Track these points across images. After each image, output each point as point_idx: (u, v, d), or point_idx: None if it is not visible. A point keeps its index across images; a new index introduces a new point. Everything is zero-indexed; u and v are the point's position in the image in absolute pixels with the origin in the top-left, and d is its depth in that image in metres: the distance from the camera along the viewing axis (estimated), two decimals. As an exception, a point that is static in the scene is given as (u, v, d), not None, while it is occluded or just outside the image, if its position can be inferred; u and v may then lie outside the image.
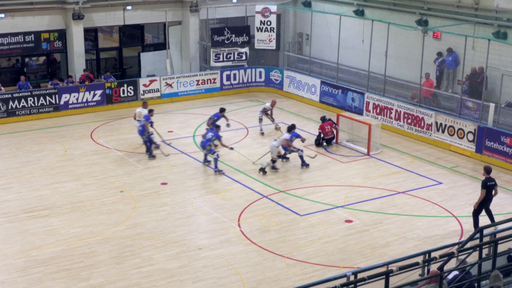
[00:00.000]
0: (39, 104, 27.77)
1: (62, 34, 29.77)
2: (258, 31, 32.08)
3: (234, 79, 31.95)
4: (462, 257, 11.55)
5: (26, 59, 29.97)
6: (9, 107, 27.32)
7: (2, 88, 27.74)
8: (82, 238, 17.20)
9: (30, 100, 27.54)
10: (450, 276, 11.28)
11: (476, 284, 11.41)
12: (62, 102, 28.15)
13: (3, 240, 17.11)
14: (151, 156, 23.01)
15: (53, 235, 17.40)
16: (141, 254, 16.32)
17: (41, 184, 20.89)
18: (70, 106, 28.36)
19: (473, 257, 11.80)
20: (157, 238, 17.20)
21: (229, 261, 15.94)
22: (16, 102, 27.32)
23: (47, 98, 27.86)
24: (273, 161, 21.85)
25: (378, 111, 26.76)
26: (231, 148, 22.63)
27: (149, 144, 23.07)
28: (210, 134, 21.96)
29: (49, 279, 15.16)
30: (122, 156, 23.39)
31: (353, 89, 28.25)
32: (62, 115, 28.09)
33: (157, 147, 23.35)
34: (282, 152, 22.16)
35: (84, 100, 28.61)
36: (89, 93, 28.64)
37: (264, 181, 20.97)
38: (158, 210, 18.93)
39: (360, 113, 27.20)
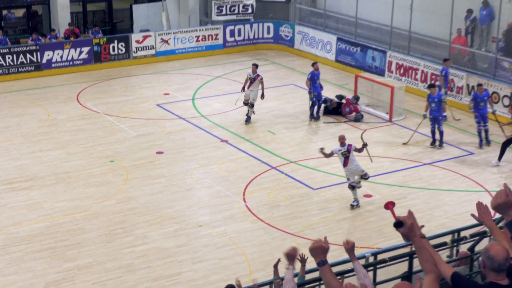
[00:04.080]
0: (18, 63, 27.68)
1: (43, -17, 29.60)
2: (266, -20, 31.82)
3: (239, 35, 31.75)
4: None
5: (4, 12, 29.81)
6: (-15, 66, 27.26)
7: (-23, 44, 27.66)
8: (68, 213, 17.24)
9: (8, 58, 27.44)
10: (483, 258, 11.24)
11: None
12: (44, 61, 28.06)
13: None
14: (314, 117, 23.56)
15: (35, 209, 17.45)
16: (134, 231, 16.36)
17: (21, 152, 20.90)
18: (53, 65, 28.27)
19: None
20: (152, 213, 17.23)
21: (233, 240, 15.98)
22: (-8, 60, 27.22)
23: (28, 55, 27.75)
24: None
25: (401, 71, 26.58)
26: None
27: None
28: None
29: (31, 258, 15.22)
30: (112, 121, 23.36)
31: (374, 46, 28.05)
32: (45, 75, 28.02)
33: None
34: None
35: (69, 58, 28.50)
36: (75, 50, 28.52)
37: (272, 150, 20.95)
38: (153, 182, 18.94)
39: (382, 74, 27.05)
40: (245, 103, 23.09)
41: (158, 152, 20.89)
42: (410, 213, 6.26)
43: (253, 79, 22.91)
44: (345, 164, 17.15)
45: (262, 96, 23.18)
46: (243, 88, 23.16)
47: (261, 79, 23.01)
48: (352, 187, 17.31)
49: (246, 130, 22.56)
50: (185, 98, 25.80)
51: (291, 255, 7.13)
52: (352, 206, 17.41)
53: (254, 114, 23.34)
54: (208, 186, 18.79)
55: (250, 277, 14.44)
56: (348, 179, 17.30)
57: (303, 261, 10.69)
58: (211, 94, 26.22)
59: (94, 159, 20.39)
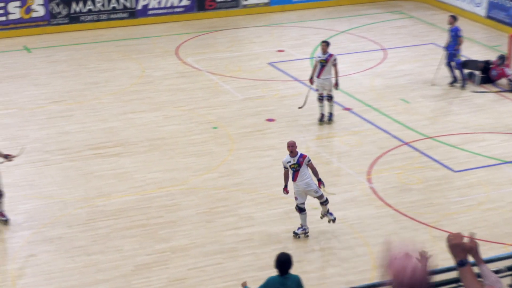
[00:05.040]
0: (109, 8, 28.31)
1: None
2: None
3: (369, -18, 31.44)
4: None
5: None
6: (71, 11, 28.01)
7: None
8: (162, 186, 17.63)
9: (98, 2, 28.10)
10: None
11: None
12: (139, 7, 28.59)
13: (61, 184, 17.78)
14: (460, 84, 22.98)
15: (125, 180, 17.90)
16: (238, 211, 16.57)
17: (110, 113, 21.47)
18: (149, 12, 28.76)
19: None
20: (259, 191, 17.40)
21: (354, 228, 15.96)
22: (80, 4, 27.95)
23: (120, 0, 28.31)
24: None
25: None
26: None
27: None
28: None
29: (119, 236, 15.67)
30: (216, 81, 23.64)
31: (536, 0, 27.26)
32: (139, 24, 28.57)
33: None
34: None
35: (169, 5, 28.91)
36: (175, -5, 28.95)
37: (405, 123, 20.74)
38: (262, 154, 19.13)
39: (544, 35, 26.30)
40: (320, 98, 20.50)
41: (269, 119, 21.00)
42: None
43: (325, 62, 20.17)
44: (293, 178, 15.30)
45: (336, 84, 20.38)
46: (311, 79, 20.45)
47: (335, 60, 20.27)
48: (300, 209, 15.48)
49: (373, 97, 22.39)
50: (302, 56, 25.79)
51: (468, 248, 6.68)
52: (295, 235, 15.52)
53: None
54: (326, 162, 18.79)
55: (372, 273, 14.42)
56: (295, 198, 15.49)
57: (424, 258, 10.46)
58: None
59: (194, 125, 20.72)
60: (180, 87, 23.16)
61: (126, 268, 14.60)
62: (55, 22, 27.84)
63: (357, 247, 15.31)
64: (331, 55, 20.23)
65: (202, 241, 15.43)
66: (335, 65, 20.26)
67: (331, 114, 20.69)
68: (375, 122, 20.86)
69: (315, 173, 15.39)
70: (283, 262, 11.04)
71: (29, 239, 15.34)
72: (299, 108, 20.79)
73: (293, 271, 11.58)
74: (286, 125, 20.67)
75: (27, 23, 27.74)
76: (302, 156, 15.23)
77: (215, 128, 20.53)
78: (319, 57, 20.30)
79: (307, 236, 15.57)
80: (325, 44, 20.35)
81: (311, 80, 20.37)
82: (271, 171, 18.26)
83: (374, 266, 14.64)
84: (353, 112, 21.48)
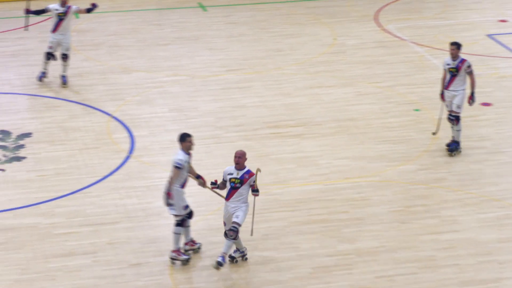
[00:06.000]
0: (300, -37, 28.47)
1: None
2: None
3: None
4: None
5: None
6: (255, -36, 28.35)
7: None
8: (349, 176, 17.59)
9: (288, -45, 28.29)
10: None
11: None
12: (335, -38, 28.61)
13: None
14: None
15: (307, 166, 17.96)
16: (440, 212, 16.32)
17: (294, 86, 21.62)
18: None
19: None
20: (467, 190, 17.08)
21: None
22: (266, -43, 28.23)
23: (313, -47, 28.46)
24: None
25: None
26: None
27: None
28: None
29: (294, 231, 15.72)
30: (422, 54, 23.41)
31: None
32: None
33: None
34: None
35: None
36: None
37: None
38: (473, 145, 18.85)
39: None
40: (452, 116, 18.31)
41: (484, 104, 20.62)
42: None
43: (455, 70, 18.15)
44: (228, 195, 14.35)
45: (471, 97, 18.28)
46: (442, 95, 18.44)
47: (469, 67, 18.16)
48: (227, 235, 14.35)
49: None
50: (531, 28, 25.27)
51: None
52: (232, 259, 14.66)
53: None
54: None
55: None
56: (224, 223, 14.55)
57: None
58: None
59: (392, 105, 20.62)
60: (377, 60, 23.09)
61: (303, 270, 14.58)
62: (235, -23, 28.27)
63: None
64: (463, 61, 18.21)
65: (393, 245, 15.28)
66: (469, 73, 18.26)
67: (456, 143, 18.54)
68: None
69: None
70: None
71: (192, 227, 15.55)
72: (434, 134, 19.10)
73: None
74: (505, 111, 20.38)
75: (203, -24, 28.36)
76: (249, 174, 14.22)
77: (417, 110, 20.36)
78: (448, 64, 18.32)
79: (246, 259, 14.78)
80: (455, 46, 18.27)
81: (442, 96, 18.46)
82: (483, 167, 17.98)
83: None
84: None
